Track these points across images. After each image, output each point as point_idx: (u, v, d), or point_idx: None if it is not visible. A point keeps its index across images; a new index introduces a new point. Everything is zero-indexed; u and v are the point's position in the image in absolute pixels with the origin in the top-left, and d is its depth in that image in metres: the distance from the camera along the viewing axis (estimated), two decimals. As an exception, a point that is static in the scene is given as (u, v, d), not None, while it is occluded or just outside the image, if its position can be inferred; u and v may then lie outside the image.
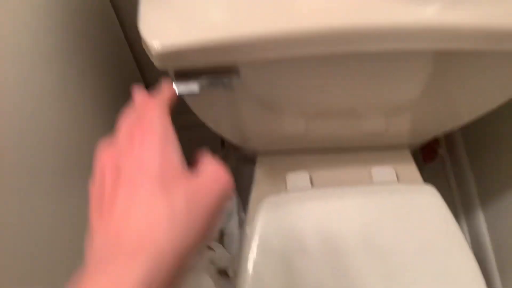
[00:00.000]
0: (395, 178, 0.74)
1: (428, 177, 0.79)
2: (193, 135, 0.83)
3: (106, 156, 0.31)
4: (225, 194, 0.29)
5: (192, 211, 0.27)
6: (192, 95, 0.50)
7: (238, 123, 0.67)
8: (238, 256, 0.67)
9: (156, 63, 0.45)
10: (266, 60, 0.47)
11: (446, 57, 0.51)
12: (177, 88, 0.48)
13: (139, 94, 0.36)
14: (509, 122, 0.88)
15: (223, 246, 0.86)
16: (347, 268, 0.64)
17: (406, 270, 0.63)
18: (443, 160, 1.18)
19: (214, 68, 0.49)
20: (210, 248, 0.84)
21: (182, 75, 0.48)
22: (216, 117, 0.64)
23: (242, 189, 0.84)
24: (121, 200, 0.28)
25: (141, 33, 0.44)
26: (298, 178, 0.75)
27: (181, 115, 0.53)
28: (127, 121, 0.33)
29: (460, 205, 1.12)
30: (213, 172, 0.30)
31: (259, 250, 0.65)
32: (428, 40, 0.45)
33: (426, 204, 0.69)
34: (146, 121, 0.31)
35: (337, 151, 0.78)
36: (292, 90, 0.58)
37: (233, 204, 0.87)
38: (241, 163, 1.12)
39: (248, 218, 0.73)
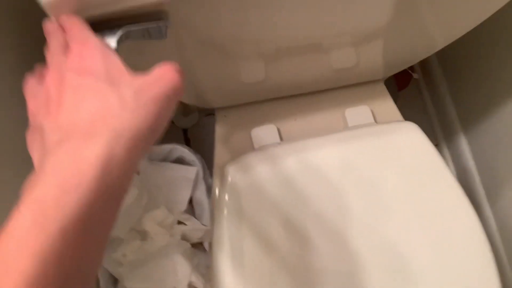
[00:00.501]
0: (372, 118, 0.66)
1: (404, 104, 0.72)
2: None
3: (40, 76, 0.31)
4: (173, 89, 0.30)
5: (141, 99, 0.28)
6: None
7: (186, 77, 0.57)
8: (211, 227, 0.60)
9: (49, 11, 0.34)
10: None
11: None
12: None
13: (53, 23, 0.34)
14: (486, 39, 0.80)
15: (194, 217, 0.78)
16: (333, 225, 0.57)
17: (399, 211, 0.57)
18: (418, 84, 1.10)
19: (134, 15, 0.38)
20: (180, 222, 0.76)
21: (95, 29, 0.37)
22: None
23: (210, 153, 0.74)
24: (68, 99, 0.28)
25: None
26: (264, 133, 0.66)
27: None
28: (54, 44, 0.32)
29: (440, 131, 1.06)
30: (160, 70, 0.30)
31: (231, 219, 0.57)
32: None
33: (408, 143, 0.61)
34: (78, 36, 0.31)
35: (305, 96, 0.69)
36: (241, 25, 0.48)
37: (198, 170, 0.78)
38: (204, 118, 1.03)
39: (214, 185, 0.64)
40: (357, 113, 0.67)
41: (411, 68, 1.09)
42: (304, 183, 0.59)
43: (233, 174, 0.60)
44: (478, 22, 0.55)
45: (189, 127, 1.02)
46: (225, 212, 0.58)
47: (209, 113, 1.02)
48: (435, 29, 0.59)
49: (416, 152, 0.61)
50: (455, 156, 1.01)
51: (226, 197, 0.59)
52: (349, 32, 0.55)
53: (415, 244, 0.56)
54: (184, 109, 0.99)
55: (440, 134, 1.06)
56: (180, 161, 0.80)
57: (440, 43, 0.62)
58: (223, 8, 0.43)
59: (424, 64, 1.08)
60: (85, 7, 0.34)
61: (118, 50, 0.38)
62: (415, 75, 1.08)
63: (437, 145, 1.07)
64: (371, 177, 0.59)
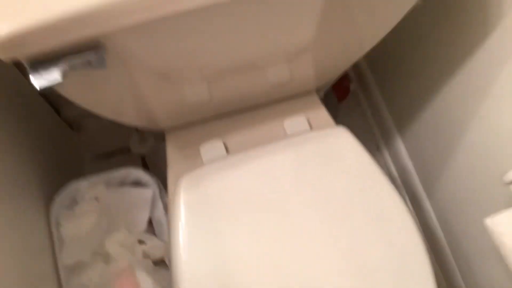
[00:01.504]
0: (308, 127, 0.73)
1: (346, 114, 0.79)
2: (104, 123, 0.76)
3: None
4: None
5: None
6: (57, 84, 0.44)
7: (135, 101, 0.62)
8: (168, 239, 0.64)
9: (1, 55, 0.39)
10: (123, 25, 0.42)
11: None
12: (36, 82, 0.42)
13: None
14: (408, 47, 0.90)
15: (155, 235, 0.82)
16: (281, 227, 0.63)
17: (338, 212, 0.63)
18: (357, 95, 1.19)
19: (73, 47, 0.43)
20: (141, 242, 0.79)
21: (38, 64, 0.42)
22: (106, 101, 0.58)
23: (163, 172, 0.79)
24: None
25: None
26: (212, 148, 0.72)
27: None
28: None
29: (379, 136, 1.14)
30: None
31: (187, 232, 0.62)
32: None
33: (340, 146, 0.68)
34: None
35: (247, 110, 0.75)
36: (177, 53, 0.54)
37: (154, 190, 0.82)
38: (160, 145, 1.07)
39: (169, 201, 0.69)
40: (295, 123, 0.74)
41: (348, 79, 1.18)
42: (247, 189, 0.65)
43: (184, 186, 0.65)
44: (393, 25, 0.63)
45: (146, 154, 1.06)
46: (180, 220, 0.63)
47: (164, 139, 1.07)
48: (354, 40, 0.67)
49: (347, 153, 0.68)
50: (394, 158, 1.10)
51: (180, 207, 0.63)
52: (278, 51, 0.62)
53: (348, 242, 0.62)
54: (140, 137, 1.03)
55: (380, 139, 1.15)
56: (137, 183, 0.84)
57: (362, 49, 0.70)
58: (157, 38, 0.49)
59: (359, 75, 1.17)
60: (26, 45, 0.39)
61: (65, 81, 0.43)
62: (351, 86, 1.17)
63: (378, 149, 1.15)
64: (307, 179, 0.65)
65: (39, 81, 0.42)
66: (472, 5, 0.67)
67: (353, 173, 0.66)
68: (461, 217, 0.88)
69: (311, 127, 0.73)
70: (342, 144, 0.68)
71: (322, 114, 0.76)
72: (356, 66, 1.17)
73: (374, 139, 1.16)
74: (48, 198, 0.80)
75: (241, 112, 0.75)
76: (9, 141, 0.72)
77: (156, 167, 1.04)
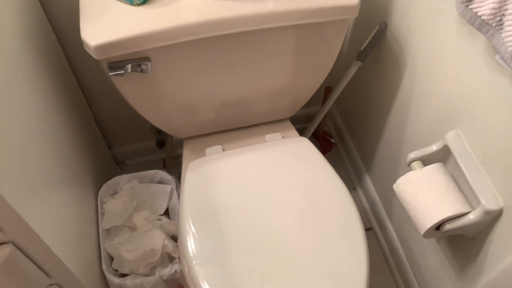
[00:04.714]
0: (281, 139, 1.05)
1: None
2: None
3: None
4: None
5: None
6: (120, 75, 0.80)
7: (161, 111, 0.97)
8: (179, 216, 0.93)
9: (94, 55, 0.76)
10: (161, 47, 0.78)
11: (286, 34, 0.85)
12: (110, 72, 0.79)
13: None
14: (374, 107, 1.23)
15: (169, 219, 1.11)
16: (258, 194, 0.92)
17: (291, 198, 0.92)
18: (337, 146, 1.51)
19: (131, 59, 0.80)
20: (159, 219, 1.09)
21: (112, 64, 0.79)
22: (143, 103, 0.93)
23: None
24: None
25: (82, 38, 0.75)
26: (214, 150, 1.04)
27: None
28: None
29: (354, 176, 1.43)
30: None
31: (191, 199, 0.92)
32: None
33: (300, 148, 1.00)
34: None
35: (240, 128, 1.09)
36: (196, 84, 0.90)
37: (172, 186, 1.14)
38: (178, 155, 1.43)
39: (181, 186, 1.00)
40: (273, 137, 1.06)
41: (330, 135, 1.51)
42: (233, 174, 0.96)
43: (189, 169, 0.97)
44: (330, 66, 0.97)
45: (165, 158, 1.41)
46: (186, 192, 0.93)
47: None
48: (312, 71, 1.01)
49: (305, 151, 0.98)
50: (365, 193, 1.37)
51: (186, 184, 0.94)
52: (262, 91, 0.97)
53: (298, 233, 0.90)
54: (159, 145, 1.38)
55: (355, 180, 1.43)
56: (161, 181, 1.16)
57: (311, 91, 1.04)
58: (184, 65, 0.85)
59: (338, 131, 1.50)
60: (109, 51, 0.76)
61: (124, 77, 0.79)
62: (332, 140, 1.50)
63: (354, 189, 1.43)
64: (275, 165, 0.96)
65: (112, 71, 0.78)
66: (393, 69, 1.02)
67: (309, 163, 0.96)
68: (413, 230, 1.12)
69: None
70: (303, 146, 1.00)
71: (292, 132, 1.08)
72: (335, 124, 1.51)
73: (351, 180, 1.45)
74: (98, 186, 1.13)
75: (235, 130, 1.09)
76: (77, 150, 1.08)
77: (173, 166, 1.40)
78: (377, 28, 1.03)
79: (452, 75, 0.81)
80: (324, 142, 1.50)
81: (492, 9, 0.61)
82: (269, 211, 0.89)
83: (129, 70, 0.80)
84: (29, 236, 0.66)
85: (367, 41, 1.05)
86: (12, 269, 0.67)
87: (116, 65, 0.79)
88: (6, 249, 0.64)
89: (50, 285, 0.77)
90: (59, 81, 0.98)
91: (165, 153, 1.44)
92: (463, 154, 0.79)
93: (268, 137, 1.06)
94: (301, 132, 1.22)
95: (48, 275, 0.75)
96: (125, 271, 1.02)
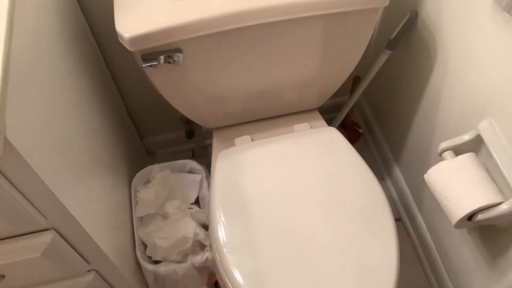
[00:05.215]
0: (310, 129, 1.05)
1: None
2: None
3: None
4: None
5: None
6: (153, 66, 0.82)
7: (192, 101, 0.99)
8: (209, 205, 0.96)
9: (128, 46, 0.78)
10: (192, 38, 0.80)
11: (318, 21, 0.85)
12: (144, 63, 0.81)
13: None
14: (404, 96, 1.22)
15: (199, 207, 1.14)
16: (286, 183, 0.93)
17: (315, 184, 0.93)
18: (365, 137, 1.50)
19: (164, 50, 0.81)
20: (190, 208, 1.12)
21: (146, 55, 0.81)
22: (174, 94, 0.95)
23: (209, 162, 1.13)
24: None
25: (117, 30, 0.77)
26: (243, 140, 1.05)
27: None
28: None
29: (382, 167, 1.42)
30: None
31: (221, 186, 0.93)
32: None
33: (328, 138, 1.00)
34: None
35: (269, 119, 1.10)
36: (227, 74, 0.91)
37: (202, 176, 1.16)
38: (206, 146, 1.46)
39: (211, 175, 1.02)
40: (301, 127, 1.07)
41: (358, 126, 1.50)
42: (262, 164, 0.97)
43: (220, 157, 0.98)
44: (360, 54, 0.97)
45: (195, 148, 1.44)
46: (217, 181, 0.95)
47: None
48: (341, 61, 1.01)
49: (334, 141, 0.99)
50: (394, 184, 1.36)
51: (217, 173, 0.96)
52: (290, 81, 0.98)
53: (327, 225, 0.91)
54: (188, 135, 1.40)
55: (384, 171, 1.42)
56: (191, 171, 1.18)
57: (340, 80, 1.04)
58: (215, 57, 0.86)
59: (365, 121, 1.49)
60: (147, 43, 0.78)
61: (157, 68, 0.81)
62: (361, 130, 1.49)
63: (382, 179, 1.42)
64: (304, 155, 0.97)
65: (146, 62, 0.80)
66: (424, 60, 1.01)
67: (338, 153, 0.96)
68: (443, 221, 1.12)
69: (311, 129, 1.06)
70: (332, 136, 1.00)
71: (320, 122, 1.08)
72: (363, 114, 1.50)
73: (379, 171, 1.44)
74: (131, 175, 1.16)
75: (264, 120, 1.10)
76: (111, 141, 1.11)
77: (201, 156, 1.45)
78: (408, 16, 1.01)
79: (485, 64, 0.80)
80: (352, 132, 1.49)
81: (529, -5, 0.59)
82: (297, 201, 0.91)
83: (162, 61, 0.82)
84: (70, 223, 0.69)
85: (398, 30, 1.03)
86: (54, 255, 0.70)
87: (150, 56, 0.81)
88: (49, 236, 0.68)
89: (89, 270, 0.81)
90: (94, 74, 1.01)
91: (194, 143, 1.47)
92: (496, 144, 0.77)
93: (296, 127, 1.07)
94: (329, 122, 1.22)
95: (87, 261, 0.79)
96: (158, 258, 1.05)
